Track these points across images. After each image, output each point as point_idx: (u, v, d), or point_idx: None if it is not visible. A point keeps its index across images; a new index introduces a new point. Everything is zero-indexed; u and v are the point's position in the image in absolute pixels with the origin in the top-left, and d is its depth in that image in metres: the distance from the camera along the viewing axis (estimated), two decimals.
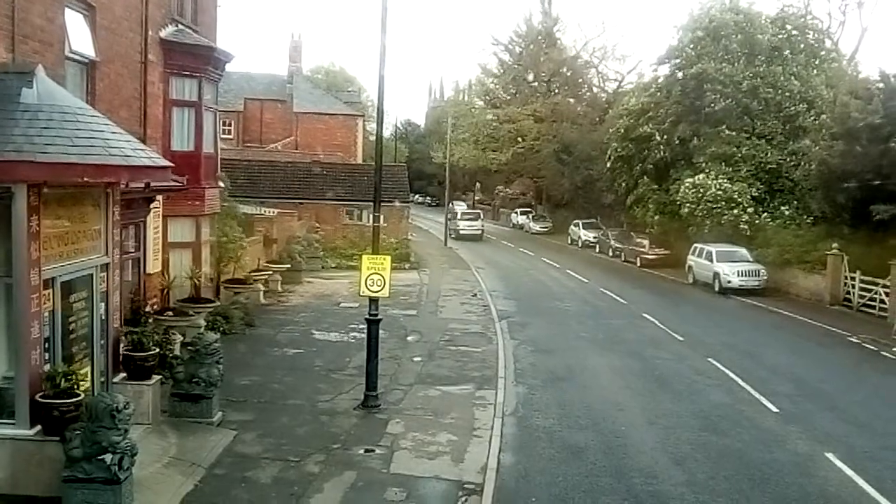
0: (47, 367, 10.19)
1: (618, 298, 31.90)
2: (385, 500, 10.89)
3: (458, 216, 64.12)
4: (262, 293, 26.61)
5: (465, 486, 11.54)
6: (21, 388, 9.93)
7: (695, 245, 37.96)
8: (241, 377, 16.64)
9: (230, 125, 60.29)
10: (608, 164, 48.06)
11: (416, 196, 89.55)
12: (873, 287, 29.64)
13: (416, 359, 19.71)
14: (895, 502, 11.57)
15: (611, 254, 49.70)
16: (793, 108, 39.94)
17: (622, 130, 46.09)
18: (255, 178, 42.63)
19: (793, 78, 40.47)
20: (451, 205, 64.48)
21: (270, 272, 29.21)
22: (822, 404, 16.87)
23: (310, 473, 11.73)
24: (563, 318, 27.13)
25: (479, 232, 61.61)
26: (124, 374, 12.68)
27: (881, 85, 32.32)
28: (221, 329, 19.70)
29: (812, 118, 39.28)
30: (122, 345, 12.83)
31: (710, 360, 20.56)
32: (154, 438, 12.37)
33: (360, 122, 65.06)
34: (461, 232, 60.28)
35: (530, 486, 11.68)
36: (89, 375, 11.43)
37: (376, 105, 19.17)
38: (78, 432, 9.53)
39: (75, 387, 10.08)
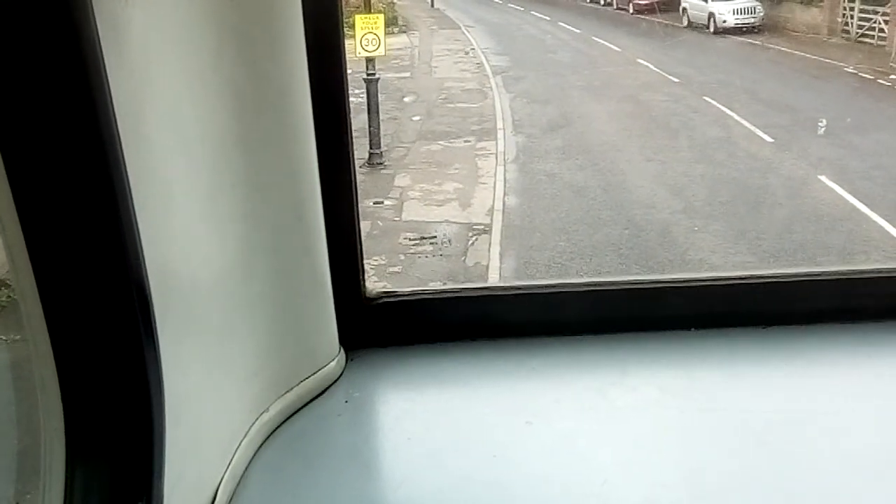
0: None
1: (611, 46, 31.41)
2: (400, 245, 11.51)
3: None
4: None
5: (475, 227, 12.14)
6: None
7: None
8: None
9: None
10: None
11: None
12: (872, 16, 29.12)
13: (415, 118, 19.84)
14: (882, 213, 12.20)
15: (602, 2, 48.26)
16: None
17: None
18: None
19: None
20: None
21: None
22: (817, 132, 17.20)
23: None
24: (557, 69, 26.94)
25: None
26: None
27: None
28: None
29: None
30: None
31: (705, 98, 20.68)
32: None
33: None
34: None
35: (535, 223, 12.28)
36: None
37: None
38: None
39: None
